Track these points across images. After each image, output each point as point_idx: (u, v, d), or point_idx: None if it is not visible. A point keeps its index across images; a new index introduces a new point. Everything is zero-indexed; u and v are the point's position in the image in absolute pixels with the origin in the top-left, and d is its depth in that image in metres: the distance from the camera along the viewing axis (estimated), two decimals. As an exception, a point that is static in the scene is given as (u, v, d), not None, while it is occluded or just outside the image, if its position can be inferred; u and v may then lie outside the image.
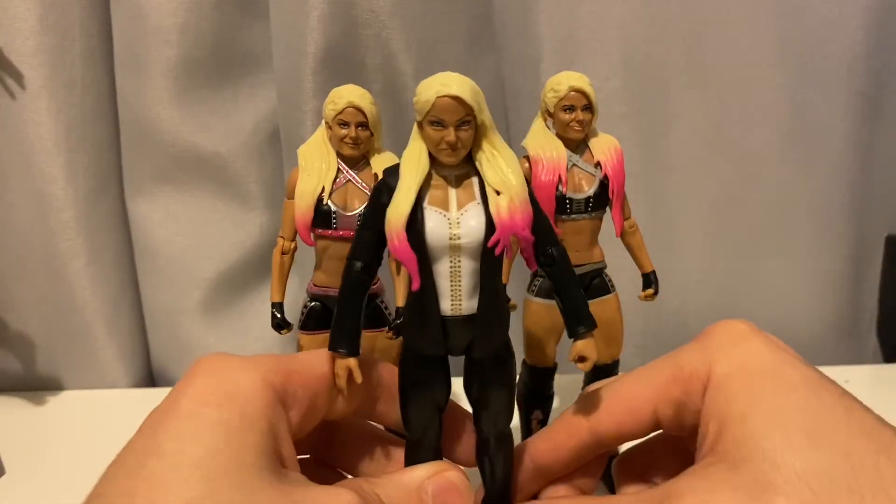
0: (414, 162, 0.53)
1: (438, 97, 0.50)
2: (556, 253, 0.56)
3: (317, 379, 0.49)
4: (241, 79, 1.05)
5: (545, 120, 0.71)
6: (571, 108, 0.68)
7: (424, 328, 0.54)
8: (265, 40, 1.02)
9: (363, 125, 0.66)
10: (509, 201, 0.52)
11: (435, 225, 0.52)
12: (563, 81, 0.68)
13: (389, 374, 0.54)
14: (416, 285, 0.52)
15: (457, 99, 0.50)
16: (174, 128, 1.00)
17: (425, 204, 0.53)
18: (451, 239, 0.52)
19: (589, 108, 0.69)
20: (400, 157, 0.55)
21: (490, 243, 0.52)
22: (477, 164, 0.54)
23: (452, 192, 0.54)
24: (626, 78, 1.03)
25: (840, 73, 1.04)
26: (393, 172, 0.54)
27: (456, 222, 0.53)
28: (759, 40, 1.03)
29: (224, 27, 1.00)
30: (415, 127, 0.54)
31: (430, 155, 0.54)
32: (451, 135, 0.51)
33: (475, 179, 0.54)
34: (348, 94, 0.66)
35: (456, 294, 0.54)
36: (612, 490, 0.76)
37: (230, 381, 0.43)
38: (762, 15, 1.02)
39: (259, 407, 0.42)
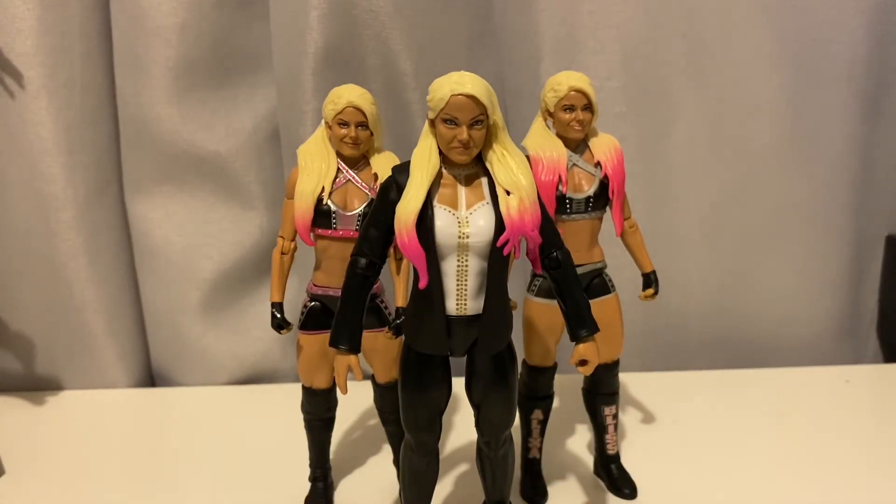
0: (424, 160, 0.53)
1: (453, 95, 0.50)
2: (560, 256, 0.56)
3: None
4: (240, 79, 1.05)
5: (545, 120, 0.71)
6: (571, 108, 0.68)
7: (428, 327, 0.54)
8: (265, 40, 1.02)
9: (363, 125, 0.66)
10: (519, 202, 0.52)
11: (444, 223, 0.52)
12: (563, 81, 0.68)
13: None
14: (423, 283, 0.52)
15: (471, 97, 0.50)
16: (174, 128, 1.00)
17: (435, 202, 0.53)
18: (459, 237, 0.52)
19: (589, 107, 0.69)
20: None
21: (500, 242, 0.52)
22: (487, 163, 0.54)
23: (462, 191, 0.54)
24: (626, 78, 1.03)
25: (840, 73, 1.04)
26: (403, 170, 0.54)
27: (465, 221, 0.53)
28: (759, 40, 1.03)
29: (224, 27, 1.00)
30: (426, 124, 0.54)
31: (440, 153, 0.54)
32: (463, 133, 0.51)
33: (484, 179, 0.54)
34: (348, 94, 0.66)
35: (462, 294, 0.54)
36: (610, 485, 0.76)
37: None
38: (762, 15, 1.02)
39: None
